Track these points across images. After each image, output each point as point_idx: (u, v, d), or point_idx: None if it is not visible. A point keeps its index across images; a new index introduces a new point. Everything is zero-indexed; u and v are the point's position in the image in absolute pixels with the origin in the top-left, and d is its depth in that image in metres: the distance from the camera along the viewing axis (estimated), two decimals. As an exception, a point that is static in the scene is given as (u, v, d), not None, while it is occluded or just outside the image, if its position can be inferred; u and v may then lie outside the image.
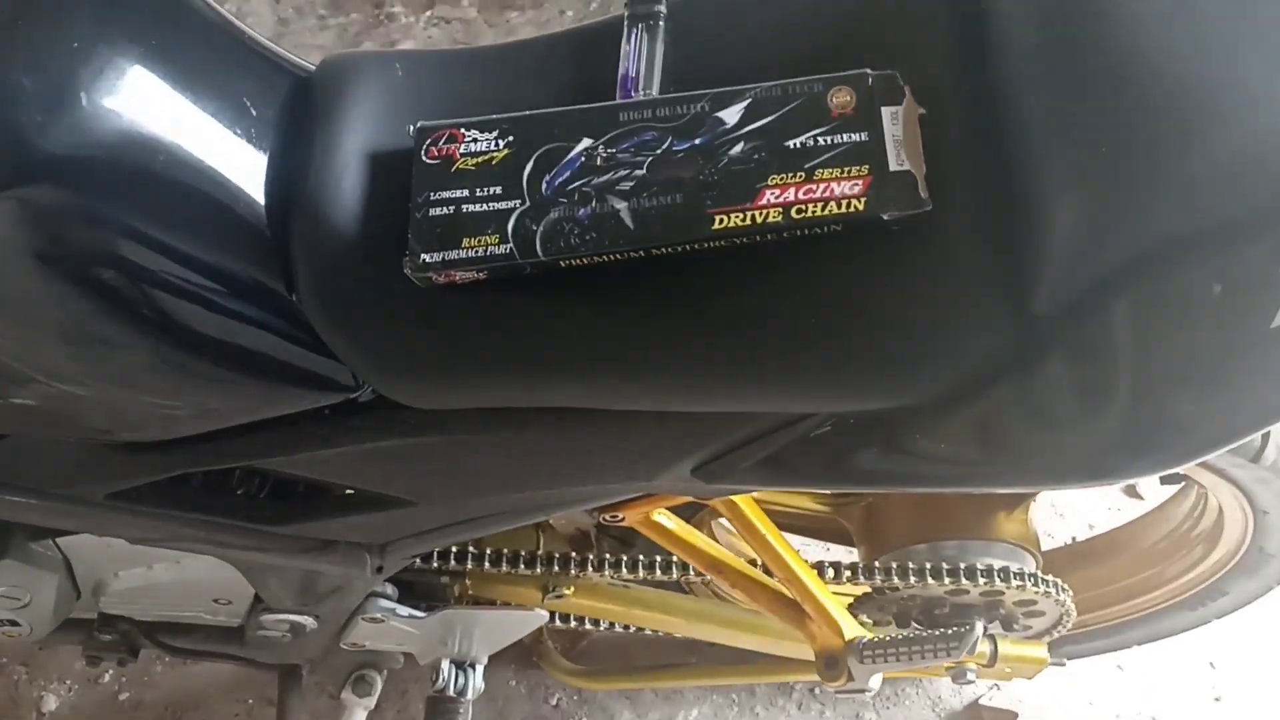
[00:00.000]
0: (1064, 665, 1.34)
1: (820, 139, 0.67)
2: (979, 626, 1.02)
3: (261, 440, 0.80)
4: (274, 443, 0.80)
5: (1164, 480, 1.22)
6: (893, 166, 0.66)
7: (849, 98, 0.68)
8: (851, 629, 1.06)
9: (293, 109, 0.74)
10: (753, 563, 1.12)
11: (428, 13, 2.63)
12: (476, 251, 0.68)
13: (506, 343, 0.70)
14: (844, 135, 0.67)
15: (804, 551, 1.45)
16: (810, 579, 1.04)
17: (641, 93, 0.74)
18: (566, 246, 0.67)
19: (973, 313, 0.64)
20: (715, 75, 0.71)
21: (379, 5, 2.62)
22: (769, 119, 0.68)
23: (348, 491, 0.87)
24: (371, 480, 0.84)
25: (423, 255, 0.69)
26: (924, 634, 1.03)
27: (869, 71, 0.68)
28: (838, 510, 1.29)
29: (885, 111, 0.67)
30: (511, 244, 0.68)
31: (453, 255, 0.69)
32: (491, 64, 0.79)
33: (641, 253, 0.68)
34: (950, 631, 1.02)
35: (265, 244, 0.72)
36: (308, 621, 1.08)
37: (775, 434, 0.73)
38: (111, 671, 1.55)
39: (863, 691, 1.06)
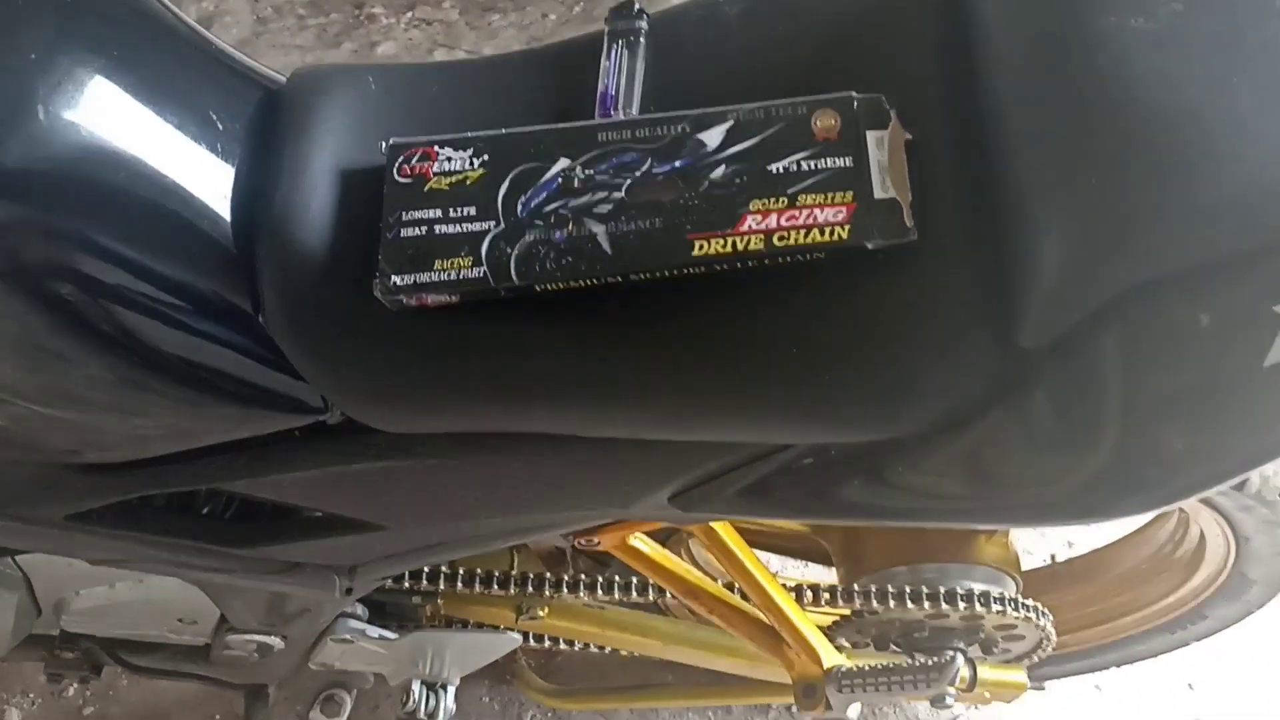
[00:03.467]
0: (1043, 689, 1.33)
1: (804, 163, 0.65)
2: (959, 659, 1.00)
3: (227, 462, 0.78)
4: (240, 465, 0.78)
5: (1146, 505, 1.21)
6: (878, 194, 0.64)
7: (833, 121, 0.66)
8: (830, 657, 1.04)
9: (261, 122, 0.72)
10: (730, 587, 1.10)
11: (409, 14, 2.60)
12: (449, 274, 0.66)
13: (478, 368, 0.68)
14: (828, 160, 0.65)
15: (782, 571, 1.44)
16: (788, 605, 1.02)
17: (621, 111, 0.72)
18: (542, 271, 0.66)
19: (959, 346, 0.62)
20: (696, 95, 0.69)
21: (359, 5, 2.59)
22: (751, 142, 0.66)
23: (315, 514, 0.85)
24: (339, 504, 0.82)
25: (394, 277, 0.67)
26: (904, 664, 1.01)
27: (854, 94, 0.66)
28: (817, 530, 1.28)
29: (870, 136, 0.65)
30: (485, 267, 0.66)
31: (424, 278, 0.67)
32: (467, 78, 0.77)
33: (619, 278, 0.66)
34: (931, 662, 1.00)
35: (230, 262, 0.69)
36: (275, 642, 1.06)
37: (755, 464, 0.71)
38: (75, 686, 1.52)
39: (841, 720, 1.05)
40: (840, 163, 0.65)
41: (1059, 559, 1.63)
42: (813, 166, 0.65)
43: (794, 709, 1.55)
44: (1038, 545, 1.74)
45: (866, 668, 1.03)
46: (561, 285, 0.66)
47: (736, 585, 1.06)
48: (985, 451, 0.64)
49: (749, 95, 0.68)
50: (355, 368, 0.69)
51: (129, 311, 0.66)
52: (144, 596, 1.02)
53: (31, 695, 1.53)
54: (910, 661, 1.01)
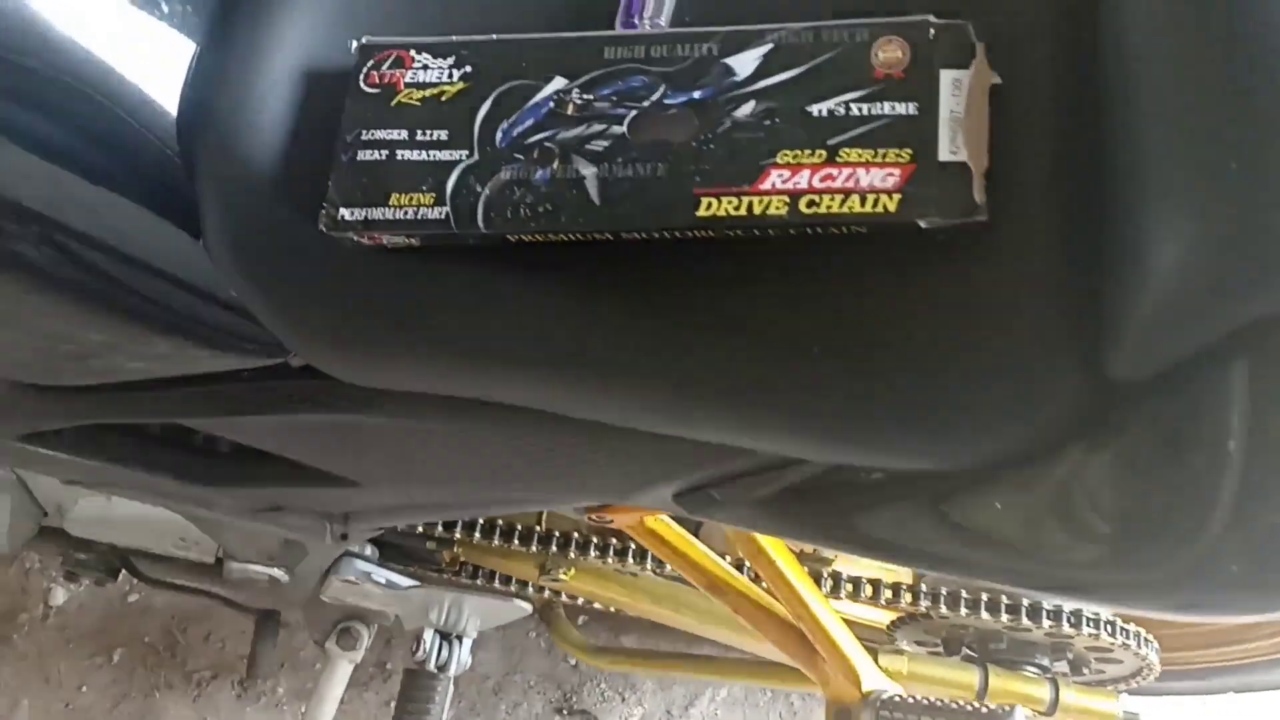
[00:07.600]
0: (1137, 718, 1.17)
1: (854, 106, 0.50)
2: (1020, 714, 0.85)
3: (184, 398, 0.69)
4: (198, 402, 0.69)
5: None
6: (943, 155, 0.48)
7: (900, 53, 0.50)
8: (870, 678, 0.90)
9: (217, 6, 0.61)
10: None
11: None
12: (405, 213, 0.54)
13: (442, 324, 0.56)
14: (885, 104, 0.50)
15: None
16: (825, 611, 0.88)
17: (647, 23, 0.58)
18: (514, 219, 0.53)
19: (1027, 369, 0.47)
20: (737, 11, 0.55)
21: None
22: (791, 73, 0.51)
23: (289, 461, 0.76)
24: (307, 454, 0.72)
25: (342, 210, 0.55)
26: (955, 706, 0.87)
27: (931, 19, 0.50)
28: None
29: (946, 76, 0.50)
30: (449, 208, 0.54)
31: (376, 214, 0.55)
32: None
33: (609, 235, 0.53)
34: (987, 710, 0.86)
35: (169, 169, 0.59)
36: (279, 574, 0.98)
37: (770, 474, 0.58)
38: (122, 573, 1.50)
39: (873, 753, 0.91)
40: (901, 109, 0.50)
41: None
42: (864, 111, 0.50)
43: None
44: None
45: (910, 700, 0.88)
46: (538, 238, 0.53)
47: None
48: (1052, 503, 0.49)
49: (805, 12, 0.53)
50: (304, 307, 0.58)
51: (44, 215, 0.56)
52: (140, 513, 0.95)
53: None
54: (962, 706, 0.87)
